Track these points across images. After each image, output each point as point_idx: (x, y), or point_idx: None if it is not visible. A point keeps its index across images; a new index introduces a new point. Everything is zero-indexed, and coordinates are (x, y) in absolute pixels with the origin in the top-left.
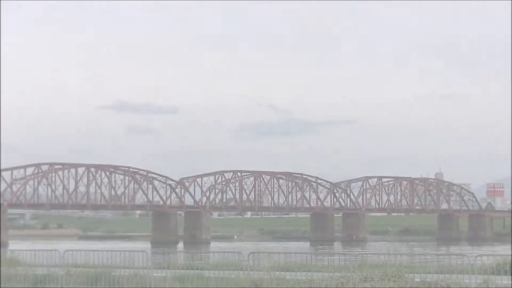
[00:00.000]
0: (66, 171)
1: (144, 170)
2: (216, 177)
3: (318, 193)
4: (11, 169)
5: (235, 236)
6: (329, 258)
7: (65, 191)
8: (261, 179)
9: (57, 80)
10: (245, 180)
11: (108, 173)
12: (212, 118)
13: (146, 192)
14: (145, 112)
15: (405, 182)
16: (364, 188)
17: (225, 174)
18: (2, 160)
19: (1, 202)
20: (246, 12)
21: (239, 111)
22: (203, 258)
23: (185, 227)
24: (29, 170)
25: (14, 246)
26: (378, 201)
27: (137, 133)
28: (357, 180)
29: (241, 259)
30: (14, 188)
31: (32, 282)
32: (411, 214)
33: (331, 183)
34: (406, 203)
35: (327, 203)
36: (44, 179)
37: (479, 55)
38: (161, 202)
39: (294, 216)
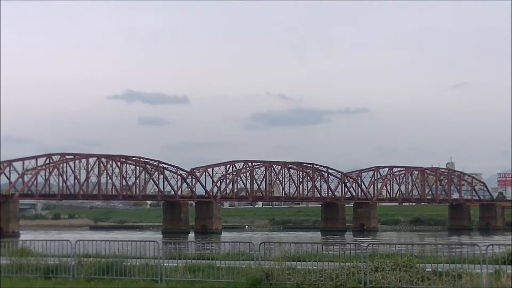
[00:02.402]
0: (77, 162)
1: (155, 160)
2: (227, 167)
3: (329, 183)
4: (23, 159)
5: (246, 226)
6: (340, 247)
7: (76, 181)
8: (272, 169)
9: (67, 71)
10: (256, 170)
11: (119, 164)
12: (222, 108)
13: (157, 182)
14: (155, 102)
15: (416, 172)
16: (375, 178)
17: (236, 164)
18: (16, 151)
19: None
20: (256, 1)
21: (250, 101)
22: (214, 248)
23: (196, 217)
24: (41, 161)
25: (25, 236)
26: (389, 191)
27: (147, 124)
28: (368, 169)
29: (252, 249)
30: (26, 179)
31: (43, 272)
32: (422, 204)
33: (342, 172)
34: (417, 193)
35: (338, 193)
36: (56, 170)
37: (491, 43)
38: (172, 192)
39: (305, 206)
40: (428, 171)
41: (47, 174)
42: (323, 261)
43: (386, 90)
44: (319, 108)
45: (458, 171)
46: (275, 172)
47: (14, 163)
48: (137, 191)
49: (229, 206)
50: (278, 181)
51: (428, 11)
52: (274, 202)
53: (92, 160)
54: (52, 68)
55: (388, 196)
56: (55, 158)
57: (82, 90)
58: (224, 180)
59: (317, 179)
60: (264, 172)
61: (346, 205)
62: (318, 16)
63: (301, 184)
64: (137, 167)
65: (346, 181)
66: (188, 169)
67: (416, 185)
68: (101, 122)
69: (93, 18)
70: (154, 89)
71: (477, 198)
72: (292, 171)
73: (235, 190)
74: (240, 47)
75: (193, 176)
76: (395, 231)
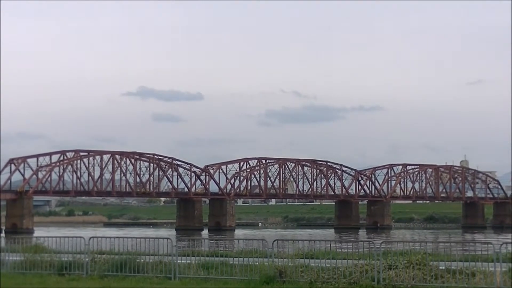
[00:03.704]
0: (91, 158)
1: (169, 157)
2: (241, 164)
3: (343, 181)
4: (37, 156)
5: (260, 223)
6: (353, 245)
7: (90, 178)
8: (286, 166)
9: (82, 68)
10: (270, 167)
11: (133, 160)
12: (236, 105)
13: (171, 179)
14: (169, 99)
15: (430, 170)
16: (389, 175)
17: (249, 161)
18: (31, 148)
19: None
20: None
21: (264, 98)
22: (227, 245)
23: (209, 214)
24: (55, 157)
25: (40, 232)
26: (403, 188)
27: (162, 120)
28: (382, 167)
29: (266, 247)
30: (40, 175)
31: (57, 269)
32: (436, 201)
33: (355, 170)
34: (431, 190)
35: (351, 191)
36: (70, 166)
37: (506, 40)
38: (186, 189)
39: (319, 203)
40: (442, 169)
41: (61, 170)
42: (337, 258)
43: (400, 88)
44: (333, 106)
45: (472, 169)
46: (289, 169)
47: (28, 160)
48: (151, 188)
49: (242, 203)
50: (292, 179)
51: (442, 8)
52: (287, 200)
53: (106, 157)
54: (66, 64)
55: (402, 193)
56: (69, 155)
57: (96, 87)
58: (238, 177)
59: (331, 177)
60: (278, 169)
61: (359, 202)
62: (332, 13)
63: (315, 182)
64: (151, 164)
65: (359, 178)
66: (202, 166)
67: (430, 183)
68: (115, 119)
69: (107, 15)
70: (168, 86)
71: (491, 196)
72: (306, 168)
73: (249, 187)
74: (254, 44)
75: (207, 173)
76: (408, 229)
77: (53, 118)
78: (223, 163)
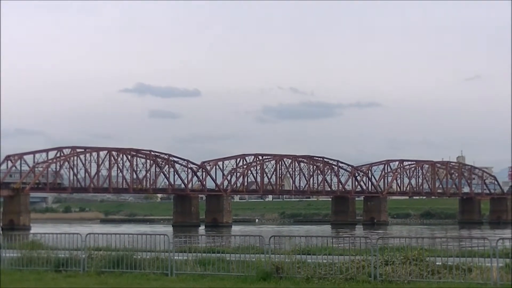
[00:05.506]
0: (88, 155)
1: (165, 154)
2: (238, 161)
3: (340, 177)
4: (34, 152)
5: (257, 220)
6: (350, 241)
7: (87, 174)
8: (282, 162)
9: (79, 65)
10: (266, 163)
11: (129, 157)
12: (233, 101)
13: (167, 175)
14: (166, 95)
15: (427, 166)
16: (386, 171)
17: (246, 158)
18: (27, 144)
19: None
20: None
21: (261, 94)
22: (224, 242)
23: (206, 211)
24: (51, 154)
25: (36, 229)
26: (399, 184)
27: (158, 117)
28: (378, 163)
29: (262, 243)
30: (37, 172)
31: (54, 265)
32: (432, 197)
33: (352, 166)
34: (427, 186)
35: (348, 187)
36: (66, 163)
37: (503, 36)
38: (183, 186)
39: (315, 199)
40: (438, 165)
41: (58, 167)
42: (333, 254)
43: (397, 84)
44: (330, 102)
45: (468, 165)
46: (286, 165)
47: (25, 156)
48: (148, 184)
49: (239, 199)
50: (288, 175)
51: (440, 4)
52: (284, 196)
53: (102, 154)
54: (63, 62)
55: (398, 189)
56: (66, 151)
57: (93, 83)
58: (235, 174)
59: (328, 173)
60: (274, 165)
61: (356, 198)
62: (329, 9)
63: (312, 178)
64: (148, 161)
65: (356, 174)
66: (199, 163)
67: (427, 178)
68: (112, 116)
69: (104, 12)
70: (165, 83)
71: (487, 191)
72: (302, 164)
73: (246, 183)
74: (251, 41)
75: (203, 170)
76: (405, 225)
77: (50, 115)
78: (219, 159)
